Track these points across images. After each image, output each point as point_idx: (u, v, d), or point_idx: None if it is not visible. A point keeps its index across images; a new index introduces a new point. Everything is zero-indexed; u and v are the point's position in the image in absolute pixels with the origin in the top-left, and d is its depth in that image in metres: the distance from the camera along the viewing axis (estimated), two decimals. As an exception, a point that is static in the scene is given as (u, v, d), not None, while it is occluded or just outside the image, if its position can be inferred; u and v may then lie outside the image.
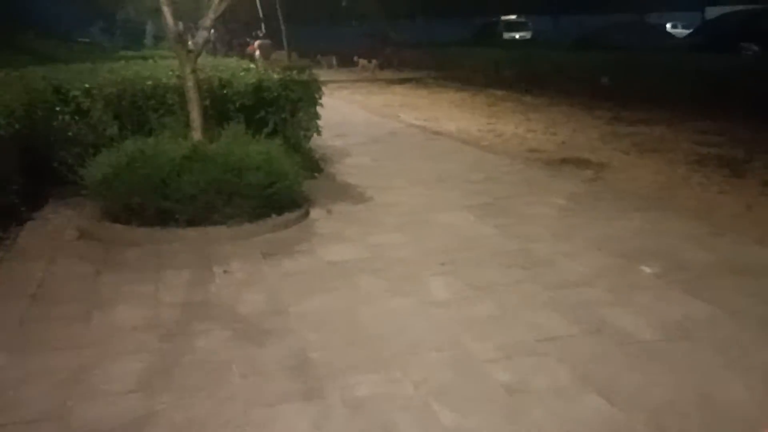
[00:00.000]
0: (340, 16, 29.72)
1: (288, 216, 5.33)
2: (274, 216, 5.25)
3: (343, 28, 32.46)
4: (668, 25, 28.02)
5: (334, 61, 25.74)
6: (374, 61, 24.21)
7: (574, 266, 4.23)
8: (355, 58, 25.37)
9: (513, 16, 29.40)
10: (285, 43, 23.35)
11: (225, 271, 4.25)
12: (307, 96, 7.07)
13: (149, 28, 33.69)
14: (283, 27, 23.28)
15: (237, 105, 6.72)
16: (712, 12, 33.34)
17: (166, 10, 5.42)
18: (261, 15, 25.37)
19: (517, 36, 28.04)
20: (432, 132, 10.41)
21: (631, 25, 17.45)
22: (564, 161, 8.12)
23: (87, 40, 24.86)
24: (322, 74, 21.70)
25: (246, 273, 4.24)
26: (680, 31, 25.85)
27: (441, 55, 22.77)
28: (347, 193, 6.30)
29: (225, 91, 6.72)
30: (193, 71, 5.54)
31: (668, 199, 6.26)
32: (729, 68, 12.30)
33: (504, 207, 5.67)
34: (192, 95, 5.49)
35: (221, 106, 6.68)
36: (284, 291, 3.93)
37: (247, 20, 28.57)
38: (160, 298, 3.86)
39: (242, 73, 7.20)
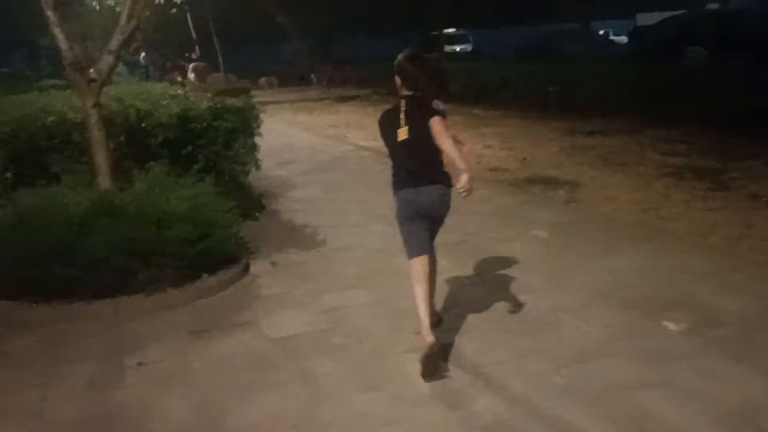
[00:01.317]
0: (277, 34, 28.75)
1: (223, 275, 4.38)
2: (205, 276, 4.29)
3: (283, 47, 31.57)
4: (600, 33, 28.21)
5: (275, 82, 24.74)
6: (314, 76, 23.40)
7: (583, 327, 3.43)
8: (312, 76, 24.54)
9: (453, 29, 29.10)
10: (221, 65, 22.22)
11: (139, 364, 3.27)
12: (244, 125, 6.13)
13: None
14: (217, 48, 22.17)
15: (160, 140, 5.72)
16: (643, 18, 33.96)
17: (58, 32, 4.42)
18: (194, 36, 24.14)
19: (457, 49, 27.70)
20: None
21: (575, 33, 17.17)
22: (531, 181, 7.41)
23: (6, 70, 23.17)
24: (264, 95, 20.65)
25: (167, 364, 3.27)
26: (620, 39, 26.00)
27: (384, 70, 22.07)
28: (295, 237, 5.38)
29: (144, 124, 5.71)
30: (96, 105, 4.53)
31: (657, 222, 5.59)
32: (677, 73, 11.97)
33: (479, 246, 4.86)
34: (96, 134, 4.49)
35: (141, 143, 5.67)
36: (218, 390, 2.99)
37: (180, 42, 27.31)
38: (47, 412, 2.86)
39: (166, 102, 6.20)
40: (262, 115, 6.38)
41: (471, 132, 11.85)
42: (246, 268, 4.61)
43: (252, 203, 6.17)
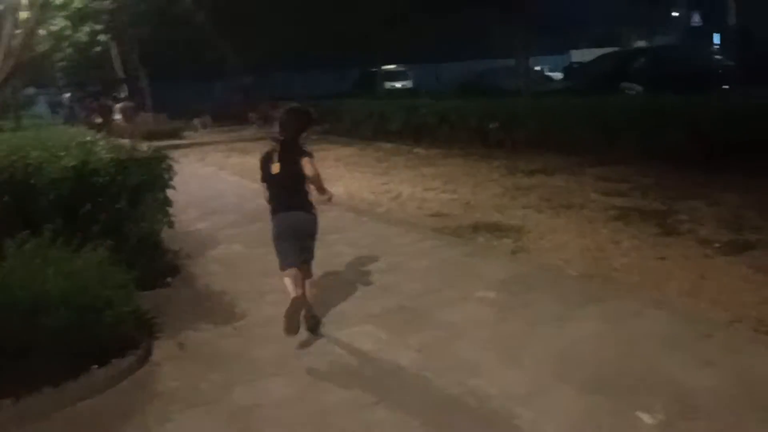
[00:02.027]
0: (212, 71, 27.99)
1: (116, 365, 3.66)
2: (94, 369, 3.56)
3: (218, 84, 30.82)
4: (536, 69, 28.72)
5: (209, 121, 23.92)
6: (253, 114, 22.73)
7: (544, 423, 2.88)
8: (250, 115, 23.82)
9: (392, 66, 29.05)
10: (149, 105, 21.29)
11: None
12: (153, 178, 5.45)
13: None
14: (145, 86, 21.26)
15: (51, 198, 4.97)
16: (576, 55, 34.91)
17: None
18: (121, 74, 23.16)
19: (398, 85, 27.60)
20: (319, 200, 8.98)
21: (513, 69, 17.20)
22: (476, 228, 6.94)
23: None
24: (197, 136, 19.72)
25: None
26: (555, 75, 26.46)
27: (321, 108, 21.62)
28: (210, 308, 4.70)
29: (32, 181, 4.96)
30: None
31: (609, 274, 5.17)
32: (613, 110, 11.94)
33: (421, 312, 4.29)
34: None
35: (28, 203, 4.91)
36: None
37: (108, 81, 26.21)
38: None
39: (63, 153, 5.46)
40: (192, 158, 5.73)
41: (413, 173, 11.41)
42: (147, 354, 3.90)
43: (163, 268, 5.46)
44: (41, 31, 22.01)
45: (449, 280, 4.90)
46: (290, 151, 4.16)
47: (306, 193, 4.30)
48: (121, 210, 5.29)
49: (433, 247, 5.93)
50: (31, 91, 34.10)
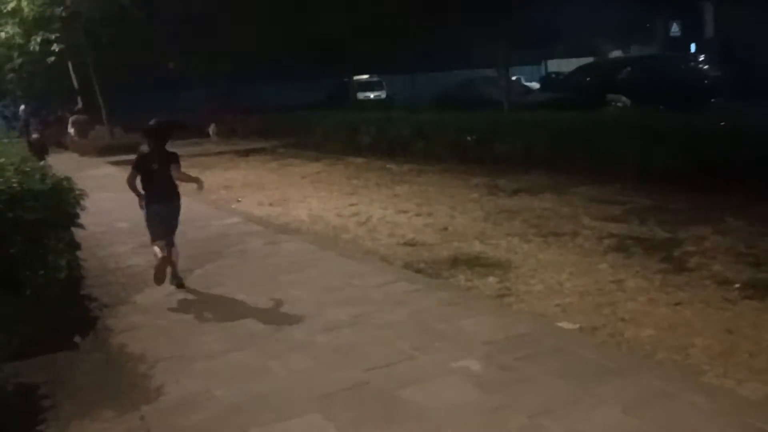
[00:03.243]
0: (174, 82, 26.77)
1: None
2: None
3: (180, 95, 29.61)
4: (513, 78, 28.05)
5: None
6: (212, 126, 21.55)
7: None
8: (211, 128, 22.67)
9: (365, 76, 28.16)
10: (104, 117, 20.04)
11: None
12: (56, 214, 4.40)
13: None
14: (100, 98, 20.01)
15: None
16: (553, 65, 34.38)
17: None
18: (76, 85, 21.84)
19: (371, 96, 26.70)
20: (277, 227, 7.98)
21: (491, 79, 16.40)
22: (455, 263, 6.00)
23: None
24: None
25: None
26: (531, 85, 25.79)
27: (291, 120, 20.64)
28: (117, 383, 3.65)
29: None
30: None
31: (615, 326, 4.25)
32: (601, 124, 11.13)
33: (385, 393, 3.30)
34: None
35: None
36: None
37: (65, 92, 24.84)
38: None
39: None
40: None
41: (385, 193, 10.45)
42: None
43: (71, 323, 4.40)
44: (-9, 38, 20.67)
45: (423, 342, 3.91)
46: (164, 155, 5.32)
47: (175, 186, 5.38)
48: (17, 255, 4.23)
49: (405, 292, 4.94)
50: None
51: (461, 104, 15.00)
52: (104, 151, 18.89)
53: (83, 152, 20.60)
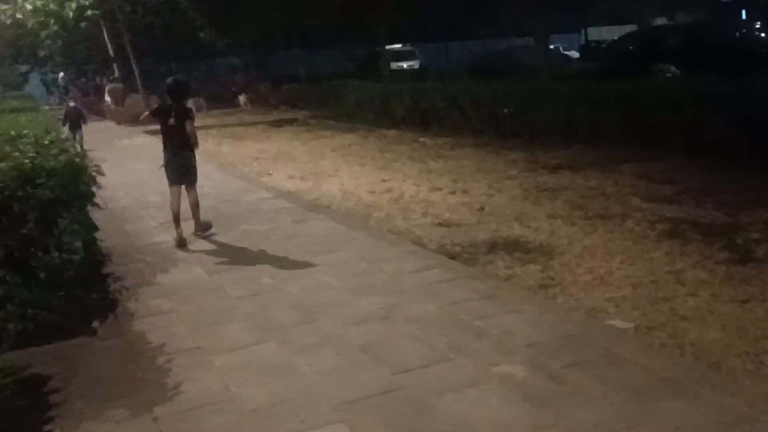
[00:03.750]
0: (210, 51, 26.50)
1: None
2: None
3: (217, 64, 29.39)
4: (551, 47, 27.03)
5: (203, 103, 22.51)
6: (243, 96, 21.30)
7: None
8: (242, 97, 22.47)
9: (399, 45, 27.48)
10: (139, 86, 19.91)
11: None
12: (70, 193, 4.16)
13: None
14: (134, 66, 19.87)
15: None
16: (594, 33, 33.13)
17: None
18: (111, 53, 21.75)
19: (405, 65, 26.06)
20: (308, 204, 7.68)
21: (530, 48, 15.70)
22: (492, 247, 5.62)
23: None
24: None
25: None
26: (570, 54, 24.85)
27: (323, 90, 20.24)
28: (133, 376, 3.41)
29: None
30: None
31: (675, 326, 3.85)
32: (648, 95, 10.49)
33: (416, 401, 2.97)
34: None
35: None
36: None
37: (103, 60, 24.81)
38: None
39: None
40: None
41: (418, 168, 10.05)
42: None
43: (90, 308, 4.19)
44: (27, 5, 20.70)
45: (460, 341, 3.57)
46: (181, 111, 6.08)
47: (188, 140, 6.02)
48: (29, 236, 4.01)
49: (440, 281, 4.59)
50: (23, 68, 32.81)
51: (497, 74, 14.40)
52: (139, 119, 18.79)
53: (120, 120, 20.61)
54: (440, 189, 8.33)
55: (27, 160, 4.16)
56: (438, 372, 3.23)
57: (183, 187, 6.15)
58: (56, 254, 4.02)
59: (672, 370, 3.16)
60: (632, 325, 3.91)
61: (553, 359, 3.28)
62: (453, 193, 8.08)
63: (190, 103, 5.90)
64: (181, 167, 6.07)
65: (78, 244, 4.02)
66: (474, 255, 5.44)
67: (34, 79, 33.21)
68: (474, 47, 24.64)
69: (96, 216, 7.37)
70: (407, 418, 2.82)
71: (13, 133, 6.23)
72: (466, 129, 13.22)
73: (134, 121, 19.22)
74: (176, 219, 6.02)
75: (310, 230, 6.25)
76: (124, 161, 11.89)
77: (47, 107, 22.39)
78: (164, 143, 6.14)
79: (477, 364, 3.28)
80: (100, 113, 23.88)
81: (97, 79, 27.34)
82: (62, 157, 4.22)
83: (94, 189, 4.48)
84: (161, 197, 8.23)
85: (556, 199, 7.46)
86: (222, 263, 5.36)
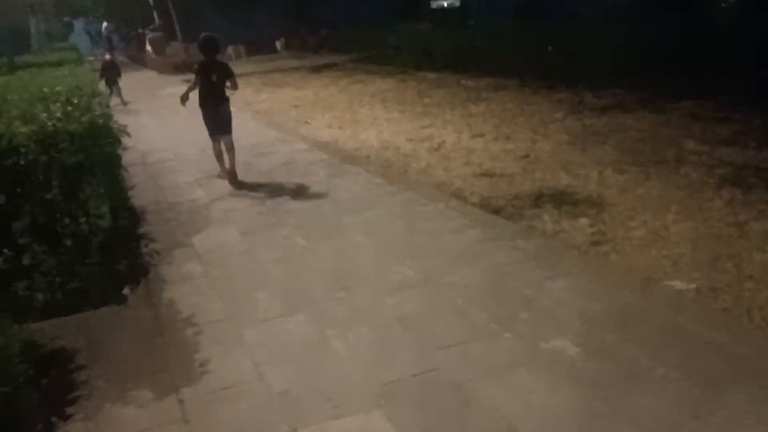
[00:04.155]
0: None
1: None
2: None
3: (252, 10, 28.76)
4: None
5: (243, 51, 22.18)
6: (281, 40, 20.86)
7: None
8: (279, 42, 22.05)
9: (439, -18, 26.30)
10: (179, 34, 19.65)
11: None
12: (95, 158, 3.98)
13: (34, 25, 29.17)
14: (173, 14, 19.56)
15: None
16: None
17: None
18: (151, 2, 21.46)
19: (445, 4, 25.01)
20: (344, 155, 7.41)
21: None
22: (538, 200, 5.29)
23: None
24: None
25: None
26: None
27: (362, 33, 19.62)
28: (159, 353, 3.28)
29: None
30: None
31: (742, 291, 3.49)
32: (699, 28, 9.70)
33: (460, 385, 2.75)
34: None
35: None
36: None
37: (146, 8, 24.55)
38: None
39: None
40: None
41: (459, 112, 9.63)
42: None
43: (120, 274, 4.07)
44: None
45: (505, 312, 3.31)
46: (220, 68, 6.36)
47: (224, 93, 6.35)
48: (54, 202, 3.88)
49: (482, 240, 4.31)
50: (67, 19, 32.88)
51: (541, 13, 13.60)
52: (179, 68, 18.69)
53: (161, 70, 20.54)
54: (482, 135, 7.94)
55: (52, 122, 3.99)
56: (481, 349, 2.99)
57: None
58: (83, 220, 3.88)
59: (743, 344, 2.85)
60: (693, 286, 3.58)
61: (607, 332, 3.00)
62: (496, 139, 7.69)
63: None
64: (221, 120, 6.33)
65: (105, 209, 3.87)
66: (519, 209, 5.12)
67: (80, 29, 33.33)
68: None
69: (132, 172, 7.37)
70: (448, 405, 2.60)
71: (45, 90, 6.10)
72: (508, 70, 12.61)
73: (174, 70, 19.12)
74: (221, 160, 6.50)
75: (346, 184, 6.01)
76: (162, 112, 11.79)
77: (92, 58, 22.39)
78: (204, 97, 6.27)
79: (524, 339, 3.03)
80: (142, 63, 23.85)
81: (139, 29, 27.17)
82: (85, 118, 4.02)
83: (120, 152, 4.30)
84: (197, 150, 8.11)
85: (604, 143, 7.01)
86: (254, 222, 5.18)
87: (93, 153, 3.96)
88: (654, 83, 9.46)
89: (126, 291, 4.06)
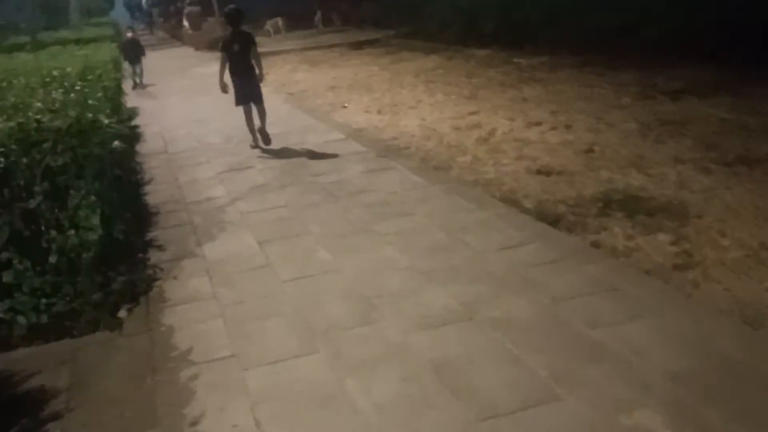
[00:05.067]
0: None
1: None
2: None
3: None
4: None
5: (281, 25, 21.54)
6: (318, 15, 20.20)
7: None
8: (317, 16, 21.46)
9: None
10: (216, 9, 19.15)
11: None
12: (86, 158, 3.42)
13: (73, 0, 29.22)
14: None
15: None
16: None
17: None
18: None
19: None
20: (382, 147, 6.71)
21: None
22: (605, 207, 4.51)
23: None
24: (268, 43, 17.65)
25: None
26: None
27: (405, 6, 18.74)
28: (148, 404, 2.72)
29: None
30: None
31: None
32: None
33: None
34: None
35: None
36: None
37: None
38: None
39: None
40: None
41: (512, 96, 8.80)
42: None
43: (118, 291, 3.53)
44: None
45: (570, 366, 2.61)
46: (243, 37, 6.62)
47: (250, 62, 6.60)
48: (38, 211, 3.34)
49: (539, 264, 3.58)
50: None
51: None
52: (214, 44, 18.18)
53: (197, 46, 20.13)
54: (538, 124, 7.13)
55: (37, 117, 3.44)
56: (538, 420, 2.31)
57: (252, 104, 6.73)
58: (71, 232, 3.33)
59: None
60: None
61: (704, 404, 2.27)
62: (553, 128, 6.88)
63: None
64: (246, 89, 6.58)
65: (95, 220, 3.31)
66: (582, 217, 4.37)
67: (120, 4, 33.34)
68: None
69: (152, 163, 6.86)
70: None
71: (55, 73, 5.63)
72: (566, 46, 11.61)
73: (209, 46, 18.64)
74: (252, 128, 6.83)
75: (380, 184, 5.33)
76: (192, 93, 11.29)
77: (130, 34, 22.15)
78: (231, 69, 6.60)
79: (596, 407, 2.33)
80: (180, 39, 23.50)
81: (178, 3, 26.85)
82: (72, 112, 3.45)
83: (135, 144, 3.74)
84: (223, 138, 7.57)
85: (682, 135, 6.13)
86: (274, 229, 4.57)
87: (81, 153, 3.40)
88: (734, 61, 8.44)
89: (122, 313, 3.52)
